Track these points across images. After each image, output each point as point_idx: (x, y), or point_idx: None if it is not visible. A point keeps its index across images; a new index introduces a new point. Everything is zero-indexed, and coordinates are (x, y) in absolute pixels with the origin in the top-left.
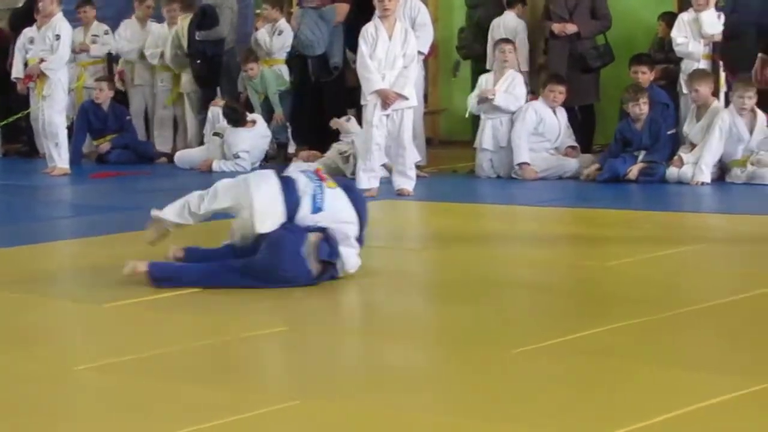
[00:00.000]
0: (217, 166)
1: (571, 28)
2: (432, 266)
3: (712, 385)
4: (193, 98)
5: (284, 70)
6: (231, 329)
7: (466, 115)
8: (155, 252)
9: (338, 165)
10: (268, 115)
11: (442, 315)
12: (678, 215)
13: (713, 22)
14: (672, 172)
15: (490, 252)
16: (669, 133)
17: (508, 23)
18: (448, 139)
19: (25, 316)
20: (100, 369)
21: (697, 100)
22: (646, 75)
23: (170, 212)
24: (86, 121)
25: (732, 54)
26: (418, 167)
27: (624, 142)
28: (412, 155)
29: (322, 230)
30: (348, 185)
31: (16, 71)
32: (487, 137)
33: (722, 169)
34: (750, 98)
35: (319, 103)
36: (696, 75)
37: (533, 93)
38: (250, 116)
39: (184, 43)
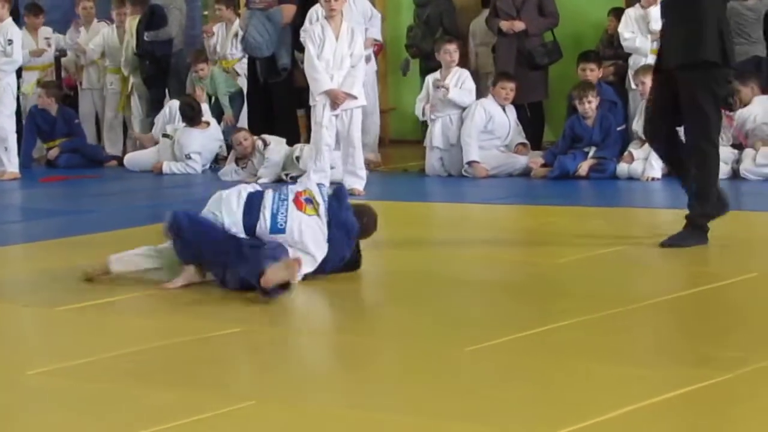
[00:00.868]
0: (167, 167)
1: (518, 26)
2: (384, 266)
3: (663, 381)
4: (143, 100)
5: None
6: (186, 331)
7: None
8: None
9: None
10: (218, 116)
11: (395, 315)
12: (629, 211)
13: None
14: (622, 168)
15: (442, 251)
16: (619, 129)
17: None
18: (398, 138)
19: None
20: (53, 373)
21: (644, 93)
22: (594, 72)
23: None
24: (34, 125)
25: None
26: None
27: (573, 138)
28: (362, 155)
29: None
30: (345, 223)
31: None
32: (436, 135)
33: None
34: None
35: (269, 104)
36: (642, 69)
37: None
38: (204, 117)
39: (133, 43)
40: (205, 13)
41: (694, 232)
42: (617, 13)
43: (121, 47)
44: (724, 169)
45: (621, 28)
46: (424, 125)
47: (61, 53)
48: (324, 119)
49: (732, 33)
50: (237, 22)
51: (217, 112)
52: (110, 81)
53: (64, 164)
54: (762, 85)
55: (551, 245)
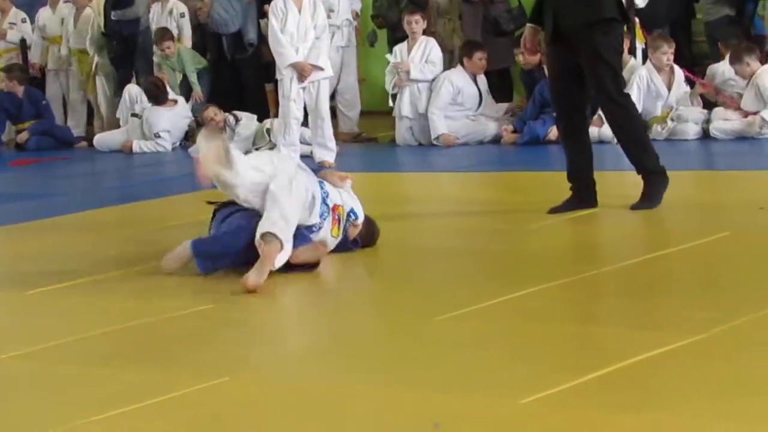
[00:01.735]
0: (137, 146)
1: None
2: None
3: (637, 343)
4: (110, 79)
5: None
6: (157, 310)
7: (390, 101)
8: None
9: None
10: (187, 94)
11: (366, 286)
12: (599, 174)
13: None
14: (592, 131)
15: (412, 221)
16: None
17: None
18: (368, 109)
19: None
20: (26, 357)
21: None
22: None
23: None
24: (2, 109)
25: (647, 10)
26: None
27: (543, 103)
28: (331, 126)
29: None
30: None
31: None
32: (405, 105)
33: (643, 127)
34: (671, 54)
35: (236, 80)
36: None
37: None
38: (171, 95)
39: (100, 22)
40: None
41: (655, 183)
42: None
43: (81, 28)
44: (694, 129)
45: None
46: (394, 97)
47: (22, 43)
48: (292, 93)
49: None
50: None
51: (186, 90)
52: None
53: (34, 147)
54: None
55: (522, 212)
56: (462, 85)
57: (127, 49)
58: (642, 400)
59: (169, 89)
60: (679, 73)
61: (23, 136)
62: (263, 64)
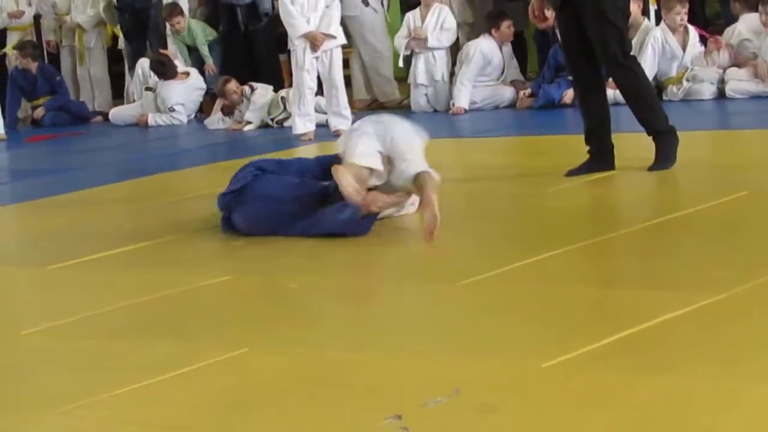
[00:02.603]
0: (152, 120)
1: None
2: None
3: (660, 303)
4: (126, 53)
5: None
6: (175, 283)
7: (400, 62)
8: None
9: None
10: (200, 66)
11: (384, 254)
12: (616, 136)
13: None
14: (609, 93)
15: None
16: None
17: None
18: None
19: None
20: (47, 332)
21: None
22: None
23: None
24: (17, 86)
25: None
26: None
27: (557, 67)
28: (345, 95)
29: None
30: None
31: None
32: (420, 72)
33: (658, 88)
34: (685, 14)
35: (250, 50)
36: None
37: None
38: (183, 68)
39: None
40: None
41: (667, 142)
42: None
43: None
44: (710, 90)
45: None
46: (407, 62)
47: (36, 18)
48: (306, 63)
49: None
50: None
51: (198, 62)
52: (89, 38)
53: (50, 123)
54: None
55: (540, 175)
56: (491, 55)
57: (140, 23)
58: (663, 362)
59: (179, 62)
60: (694, 33)
61: (39, 113)
62: (277, 34)
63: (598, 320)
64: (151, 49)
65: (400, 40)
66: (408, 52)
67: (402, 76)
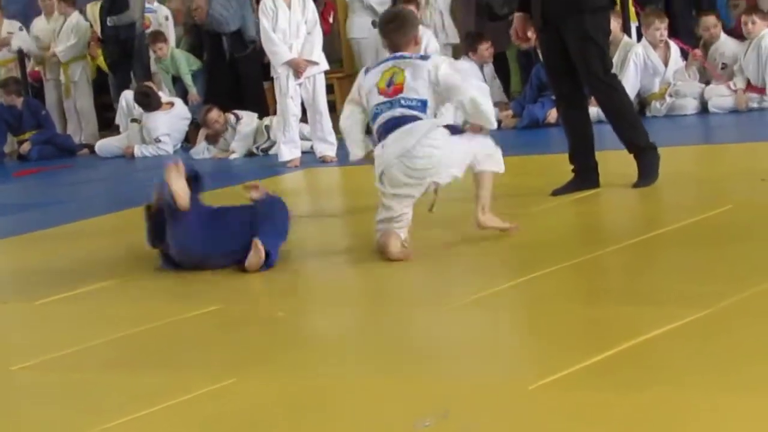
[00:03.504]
0: (138, 151)
1: None
2: (360, 232)
3: (647, 319)
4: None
5: None
6: (162, 314)
7: None
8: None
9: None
10: (183, 95)
11: (370, 279)
12: (600, 154)
13: None
14: (592, 111)
15: (417, 210)
16: None
17: None
18: None
19: None
20: (36, 367)
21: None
22: None
23: None
24: (2, 122)
25: None
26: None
27: (540, 86)
28: (330, 120)
29: None
30: None
31: None
32: None
33: (641, 104)
34: (665, 29)
35: (235, 78)
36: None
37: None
38: (167, 98)
39: (97, 29)
40: None
41: (649, 159)
42: None
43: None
44: (693, 104)
45: None
46: None
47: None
48: (289, 89)
49: None
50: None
51: (181, 91)
52: (73, 72)
53: (37, 156)
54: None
55: (525, 195)
56: None
57: (124, 54)
58: (650, 377)
59: (164, 91)
60: (675, 48)
61: (25, 147)
62: (261, 62)
63: (585, 339)
64: (135, 80)
65: None
66: None
67: None
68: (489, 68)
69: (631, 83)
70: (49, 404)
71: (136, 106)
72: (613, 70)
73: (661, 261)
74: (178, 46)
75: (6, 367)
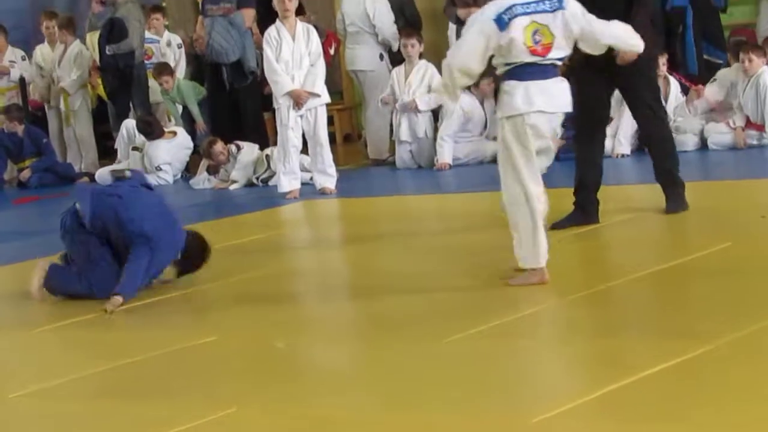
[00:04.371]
0: None
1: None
2: (359, 263)
3: (649, 354)
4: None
5: None
6: (163, 343)
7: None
8: None
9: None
10: (190, 125)
11: (371, 311)
12: (602, 189)
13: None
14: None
15: (415, 243)
16: None
17: None
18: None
19: None
20: (35, 394)
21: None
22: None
23: None
24: (3, 149)
25: None
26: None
27: None
28: (330, 152)
29: None
30: None
31: None
32: (404, 130)
33: (641, 140)
34: (664, 65)
35: (235, 108)
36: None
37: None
38: (170, 127)
39: (96, 56)
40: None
41: (681, 188)
42: None
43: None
44: (693, 140)
45: None
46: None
47: (21, 81)
48: (289, 120)
49: None
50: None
51: (189, 120)
52: (73, 100)
53: (37, 184)
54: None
55: None
56: (472, 111)
57: (124, 83)
58: (651, 413)
59: (168, 120)
60: (675, 84)
61: (25, 174)
62: (262, 93)
63: (587, 373)
64: (134, 109)
65: (382, 97)
66: (389, 109)
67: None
68: (489, 103)
69: (630, 119)
70: None
71: (138, 134)
72: (615, 106)
73: (661, 296)
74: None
75: (3, 395)
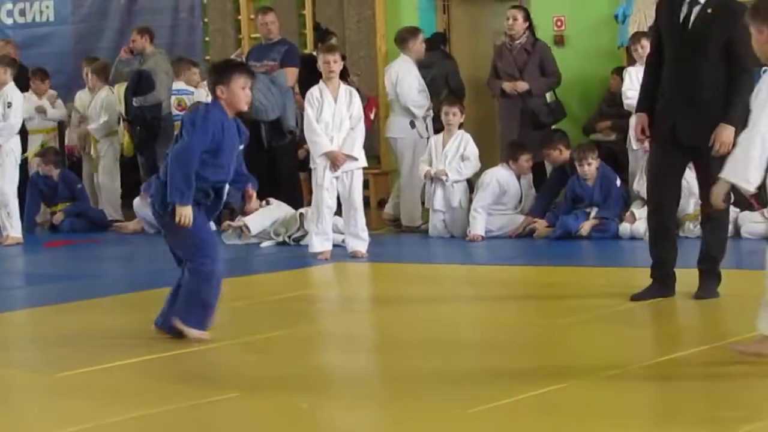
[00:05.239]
0: None
1: (522, 86)
2: (385, 327)
3: None
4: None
5: None
6: (184, 396)
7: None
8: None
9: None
10: None
11: (396, 375)
12: (631, 270)
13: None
14: (624, 227)
15: (443, 312)
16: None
17: None
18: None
19: None
20: None
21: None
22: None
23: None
24: (37, 190)
25: None
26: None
27: (574, 199)
28: (363, 216)
29: None
30: None
31: None
32: (438, 199)
33: (676, 224)
34: None
35: (272, 166)
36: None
37: None
38: None
39: (122, 109)
40: None
41: (718, 277)
42: (620, 72)
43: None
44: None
45: (624, 87)
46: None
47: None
48: (325, 181)
49: None
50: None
51: None
52: (101, 147)
53: (68, 228)
54: None
55: (553, 306)
56: (507, 185)
57: (151, 134)
58: None
59: None
60: None
61: (58, 218)
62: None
63: None
64: (160, 161)
65: (422, 165)
66: (427, 179)
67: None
68: (526, 179)
69: None
70: None
71: None
72: None
73: (684, 383)
74: None
75: None
